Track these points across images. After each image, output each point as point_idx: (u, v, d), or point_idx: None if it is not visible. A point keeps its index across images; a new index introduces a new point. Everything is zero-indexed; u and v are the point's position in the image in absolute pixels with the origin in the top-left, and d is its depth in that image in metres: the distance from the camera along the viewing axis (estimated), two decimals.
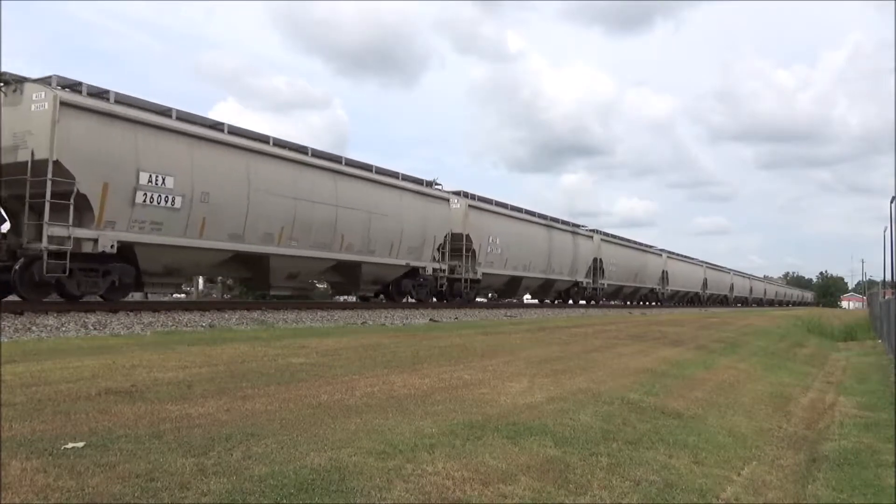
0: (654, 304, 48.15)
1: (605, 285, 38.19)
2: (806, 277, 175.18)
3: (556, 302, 35.79)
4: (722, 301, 67.89)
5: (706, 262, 63.48)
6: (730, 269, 73.63)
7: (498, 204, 28.18)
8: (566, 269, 33.70)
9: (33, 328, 10.35)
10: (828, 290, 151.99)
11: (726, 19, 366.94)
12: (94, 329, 10.89)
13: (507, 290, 30.56)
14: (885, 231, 36.00)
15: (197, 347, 8.65)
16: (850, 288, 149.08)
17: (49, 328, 10.51)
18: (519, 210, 30.06)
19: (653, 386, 8.15)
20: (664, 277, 49.05)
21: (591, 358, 10.39)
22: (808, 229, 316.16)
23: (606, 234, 39.51)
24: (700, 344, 15.15)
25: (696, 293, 59.03)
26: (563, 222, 34.35)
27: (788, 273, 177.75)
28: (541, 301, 35.13)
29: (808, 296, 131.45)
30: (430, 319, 17.78)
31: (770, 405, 8.63)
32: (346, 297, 26.17)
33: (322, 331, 12.53)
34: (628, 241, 43.99)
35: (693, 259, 60.07)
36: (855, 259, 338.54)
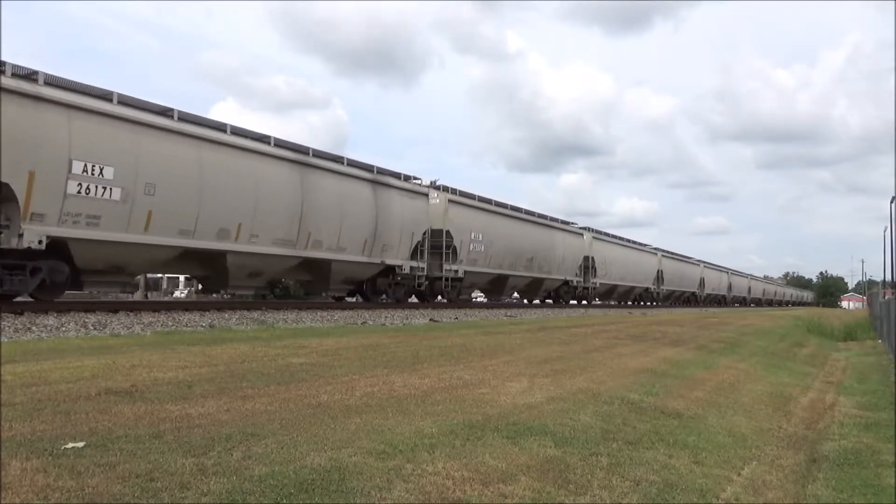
0: (574, 302, 35.42)
1: (460, 272, 23.88)
2: (806, 277, 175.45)
3: (358, 298, 22.25)
4: (689, 300, 56.12)
5: (661, 250, 50.20)
6: (700, 261, 60.67)
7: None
8: (355, 245, 19.01)
9: (33, 328, 10.35)
10: (828, 290, 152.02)
11: (725, 19, 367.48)
12: (94, 329, 10.89)
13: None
14: (885, 231, 36.06)
15: (197, 347, 8.65)
16: (850, 288, 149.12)
17: (49, 328, 10.51)
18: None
19: (653, 386, 8.15)
20: (589, 266, 35.84)
21: (591, 358, 10.39)
22: (808, 229, 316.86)
23: (463, 195, 25.39)
24: (700, 344, 15.15)
25: (647, 289, 45.97)
26: (355, 164, 19.90)
27: (788, 273, 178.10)
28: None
29: (806, 295, 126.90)
30: (430, 319, 17.78)
31: (770, 405, 8.63)
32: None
33: (322, 331, 12.53)
34: (516, 210, 29.47)
35: (641, 245, 47.60)
36: (855, 259, 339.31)
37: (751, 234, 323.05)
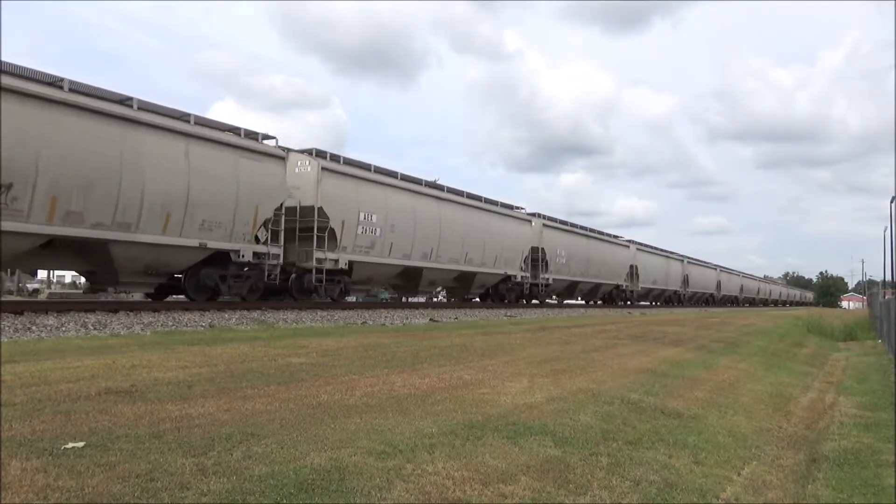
0: (524, 301, 29.71)
1: (341, 263, 18.18)
2: (806, 277, 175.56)
3: None
4: (670, 299, 47.15)
5: (636, 243, 41.54)
6: (683, 256, 51.09)
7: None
8: None
9: (33, 328, 10.35)
10: (828, 290, 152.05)
11: (724, 18, 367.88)
12: (94, 329, 10.89)
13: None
14: (885, 231, 36.16)
15: (197, 347, 8.65)
16: (850, 288, 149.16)
17: (49, 328, 10.51)
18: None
19: (653, 386, 8.15)
20: (539, 259, 29.57)
21: (591, 358, 10.39)
22: (808, 229, 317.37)
23: (348, 162, 19.38)
24: (700, 344, 15.15)
25: (617, 286, 37.82)
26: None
27: (788, 273, 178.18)
28: None
29: (800, 294, 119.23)
30: (430, 319, 17.78)
31: (770, 405, 8.63)
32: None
33: (322, 331, 12.53)
34: (433, 186, 23.21)
35: (611, 237, 38.57)
36: (855, 259, 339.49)
37: (751, 234, 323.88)
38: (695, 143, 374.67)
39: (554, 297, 33.94)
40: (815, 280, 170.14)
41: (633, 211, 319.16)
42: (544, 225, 30.24)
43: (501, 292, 28.34)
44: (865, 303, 72.73)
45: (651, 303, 42.99)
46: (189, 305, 15.22)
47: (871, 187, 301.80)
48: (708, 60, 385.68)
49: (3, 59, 11.59)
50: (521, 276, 27.99)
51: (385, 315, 17.85)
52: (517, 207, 29.18)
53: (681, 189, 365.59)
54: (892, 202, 24.76)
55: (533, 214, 30.32)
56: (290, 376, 6.82)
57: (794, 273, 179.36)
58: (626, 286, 35.52)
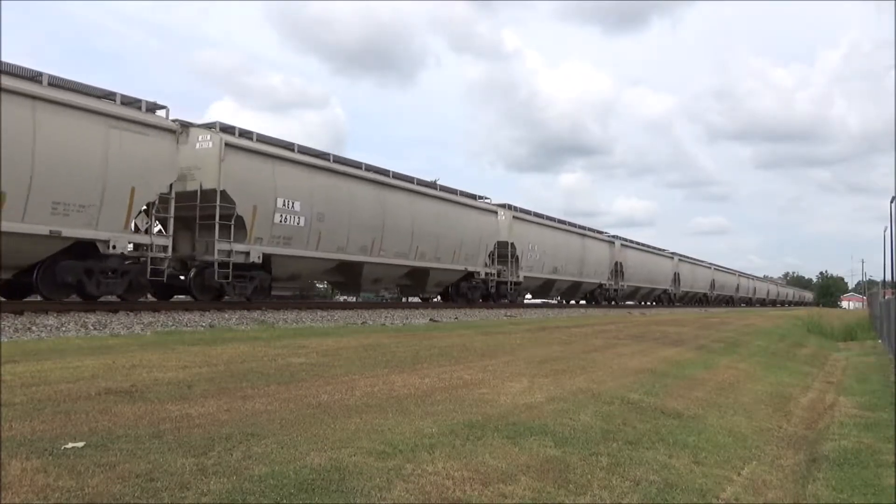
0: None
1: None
2: (806, 277, 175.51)
3: None
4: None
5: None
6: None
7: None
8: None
9: (33, 328, 10.35)
10: (828, 290, 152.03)
11: (724, 18, 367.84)
12: (94, 329, 10.88)
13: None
14: (885, 231, 36.13)
15: (197, 347, 8.65)
16: (850, 288, 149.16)
17: (49, 328, 10.50)
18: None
19: (653, 386, 8.15)
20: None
21: (591, 358, 10.39)
22: (808, 229, 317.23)
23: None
24: (700, 344, 15.15)
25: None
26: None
27: (788, 273, 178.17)
28: None
29: (789, 292, 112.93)
30: (430, 319, 17.78)
31: (770, 405, 8.63)
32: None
33: (322, 331, 12.52)
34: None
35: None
36: (855, 259, 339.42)
37: (751, 234, 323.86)
38: (694, 143, 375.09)
39: (528, 295, 32.39)
40: (815, 280, 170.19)
41: (633, 211, 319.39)
42: (514, 217, 27.93)
43: (463, 291, 25.49)
44: (865, 303, 72.87)
45: (639, 302, 43.01)
46: (189, 305, 15.22)
47: (871, 187, 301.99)
48: (708, 60, 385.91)
49: (3, 59, 11.58)
50: (486, 273, 25.42)
51: (385, 315, 17.85)
52: (482, 197, 26.64)
53: (680, 189, 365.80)
54: (892, 202, 24.78)
55: (501, 205, 28.11)
56: (290, 376, 6.82)
57: (794, 273, 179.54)
58: (610, 285, 35.56)
